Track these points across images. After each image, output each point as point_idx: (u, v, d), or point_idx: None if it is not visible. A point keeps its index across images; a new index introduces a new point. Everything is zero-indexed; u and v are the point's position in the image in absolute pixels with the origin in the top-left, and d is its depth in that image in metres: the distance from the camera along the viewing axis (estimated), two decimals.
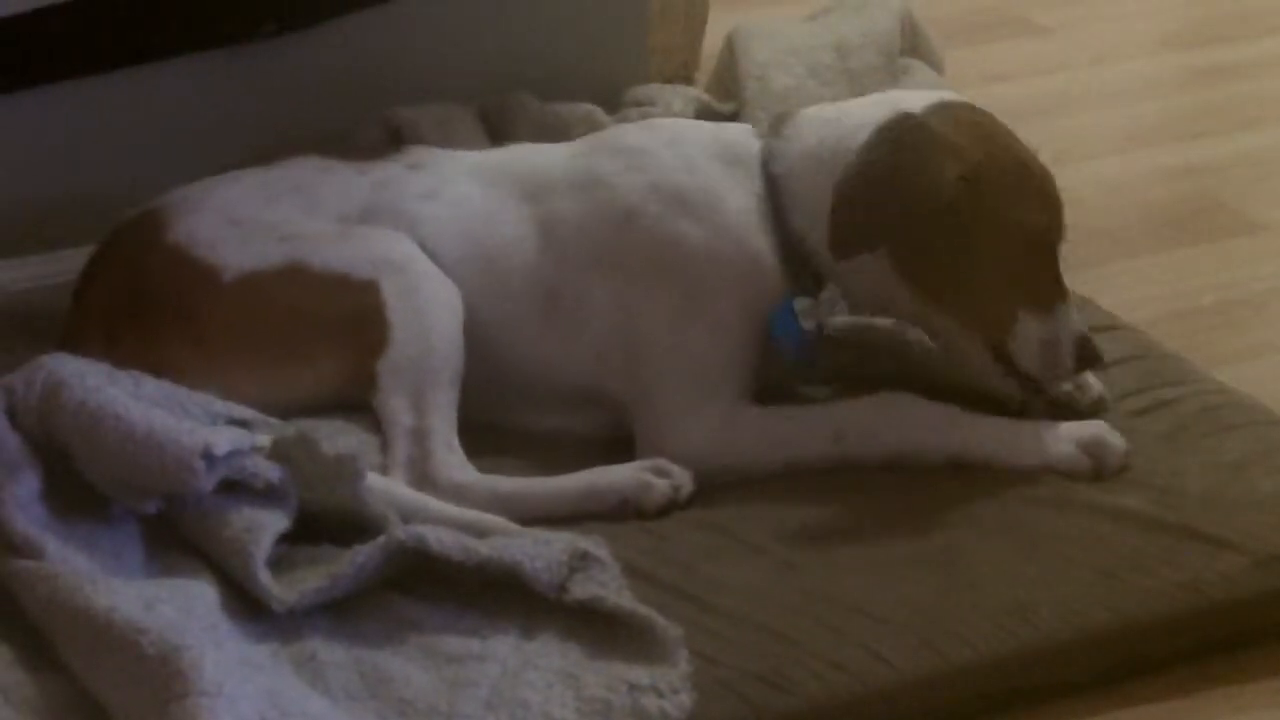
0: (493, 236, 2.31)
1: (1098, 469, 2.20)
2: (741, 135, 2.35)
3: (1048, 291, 2.22)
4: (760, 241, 2.26)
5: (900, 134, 2.19)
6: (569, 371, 2.28)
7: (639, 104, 2.78)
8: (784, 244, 2.26)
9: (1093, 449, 2.21)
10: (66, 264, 2.42)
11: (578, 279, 2.28)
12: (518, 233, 2.31)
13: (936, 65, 2.96)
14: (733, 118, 2.78)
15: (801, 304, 2.26)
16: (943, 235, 2.17)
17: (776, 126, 2.31)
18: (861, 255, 2.19)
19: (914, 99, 2.27)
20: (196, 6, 2.55)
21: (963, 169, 2.17)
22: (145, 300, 2.22)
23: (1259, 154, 3.12)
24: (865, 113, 2.26)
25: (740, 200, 2.27)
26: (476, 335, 2.25)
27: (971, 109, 2.26)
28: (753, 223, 2.26)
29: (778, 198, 2.26)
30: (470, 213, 2.32)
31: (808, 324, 2.26)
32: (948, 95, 2.29)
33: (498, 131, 2.71)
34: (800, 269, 2.26)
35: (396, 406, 2.19)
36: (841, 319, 2.36)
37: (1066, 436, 2.22)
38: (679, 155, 2.30)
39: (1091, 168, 3.04)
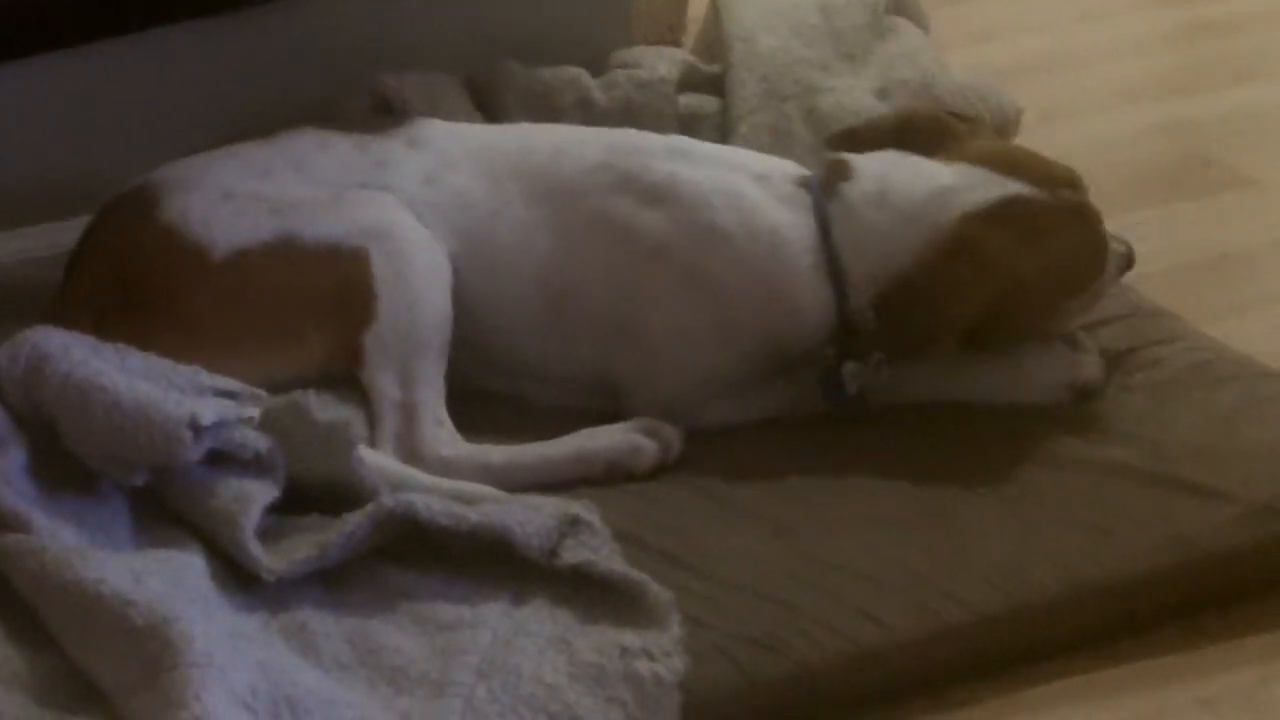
0: (497, 235, 2.27)
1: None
2: (788, 185, 2.26)
3: (1096, 273, 2.26)
4: (808, 294, 2.21)
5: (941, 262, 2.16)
6: (568, 363, 2.27)
7: (625, 66, 2.76)
8: (839, 306, 2.21)
9: (1076, 387, 2.25)
10: (51, 238, 2.42)
11: (591, 292, 2.25)
12: (525, 237, 2.27)
13: (923, 24, 2.95)
14: (718, 80, 2.77)
15: (850, 369, 2.21)
16: (995, 324, 2.18)
17: (833, 180, 2.24)
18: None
19: (974, 193, 2.19)
20: None
21: (996, 288, 2.15)
22: (133, 281, 2.20)
23: (1249, 109, 3.12)
24: (926, 202, 2.19)
25: (792, 249, 2.22)
26: (470, 327, 2.24)
27: (1028, 204, 2.19)
28: (802, 273, 2.21)
29: (836, 264, 2.20)
30: (472, 205, 2.28)
31: (853, 388, 2.21)
32: (1013, 189, 2.20)
33: (484, 98, 2.69)
34: (851, 331, 2.21)
35: (384, 380, 2.18)
36: (910, 391, 2.27)
37: (1050, 378, 2.25)
38: (724, 194, 2.24)
39: (1080, 125, 3.04)
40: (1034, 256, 2.16)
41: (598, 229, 2.26)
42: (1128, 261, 2.31)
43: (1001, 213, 2.17)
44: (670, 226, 2.24)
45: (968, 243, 2.15)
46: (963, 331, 2.17)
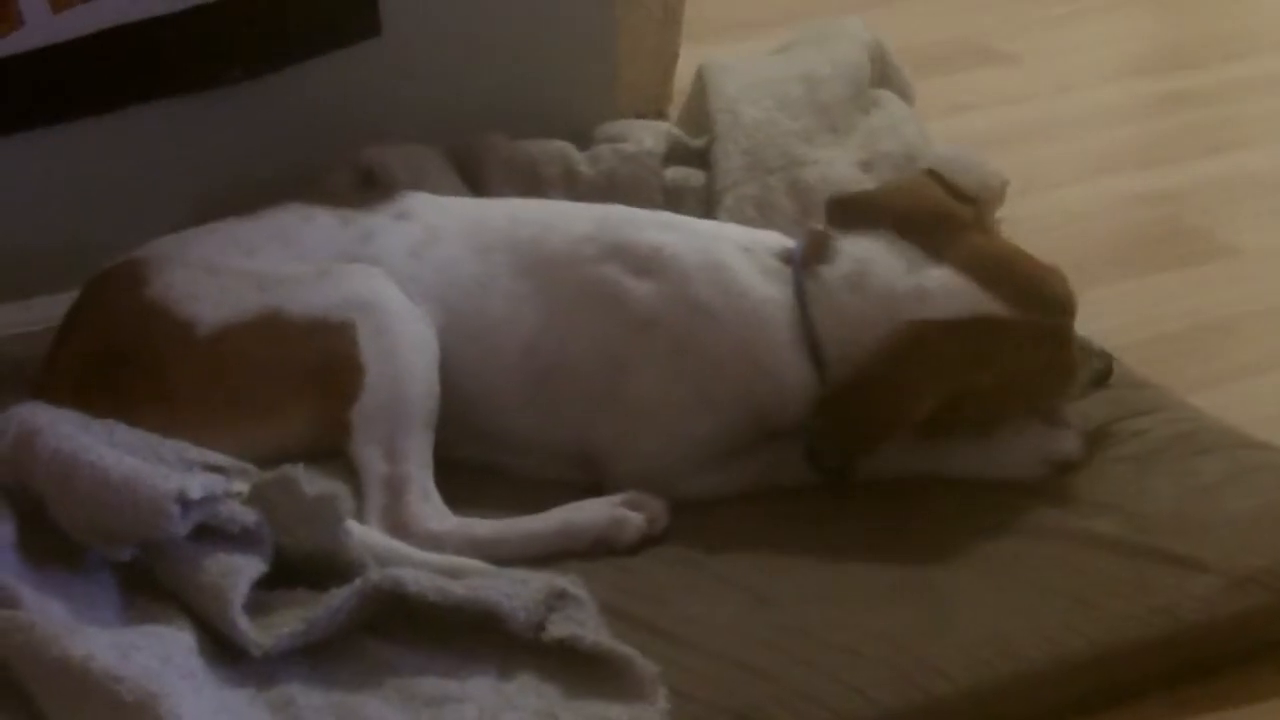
0: (484, 308, 2.27)
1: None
2: (771, 258, 2.26)
3: (1072, 374, 2.26)
4: (789, 369, 2.22)
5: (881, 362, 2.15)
6: (553, 435, 2.27)
7: (610, 139, 2.78)
8: (820, 380, 2.21)
9: (1054, 462, 2.26)
10: (38, 313, 2.42)
11: (578, 363, 2.25)
12: (513, 308, 2.27)
13: (907, 96, 2.97)
14: (704, 152, 2.78)
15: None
16: (945, 425, 2.19)
17: (813, 259, 2.24)
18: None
19: (947, 302, 2.18)
20: (164, 54, 2.55)
21: (941, 397, 2.15)
22: (118, 358, 2.21)
23: (1227, 178, 3.13)
24: (899, 299, 2.18)
25: (773, 325, 2.22)
26: (455, 398, 2.24)
27: (995, 324, 2.17)
28: (784, 347, 2.22)
29: (815, 341, 2.21)
30: (460, 278, 2.28)
31: (833, 461, 2.21)
32: (984, 308, 2.18)
33: (468, 171, 2.70)
34: None
35: (370, 454, 2.18)
36: (883, 467, 2.25)
37: (1028, 455, 2.26)
38: (709, 268, 2.25)
39: (1060, 195, 3.05)
40: (986, 375, 2.16)
41: (587, 300, 2.27)
42: (1103, 376, 2.31)
43: (966, 328, 2.16)
44: (658, 299, 2.25)
45: (920, 348, 2.14)
46: (912, 428, 2.16)
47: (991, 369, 2.17)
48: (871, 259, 2.22)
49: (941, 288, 2.18)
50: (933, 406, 2.14)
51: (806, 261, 2.24)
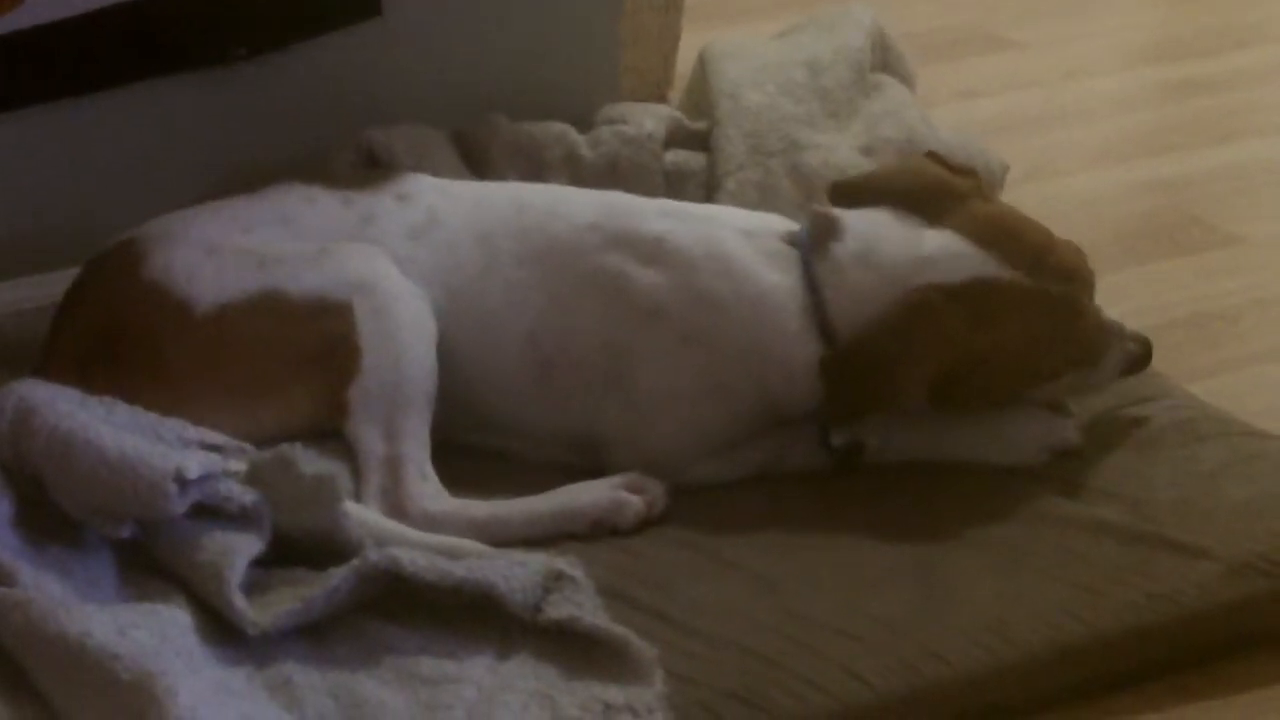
0: (486, 293, 2.27)
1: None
2: (776, 242, 2.26)
3: (1090, 349, 2.24)
4: (800, 356, 2.21)
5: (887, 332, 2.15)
6: (554, 420, 2.27)
7: (612, 122, 2.77)
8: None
9: (1053, 448, 2.25)
10: (36, 290, 2.42)
11: (582, 351, 2.25)
12: (516, 295, 2.27)
13: (908, 81, 2.97)
14: (705, 136, 2.78)
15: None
16: (954, 393, 2.17)
17: (822, 238, 2.23)
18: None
19: (949, 266, 2.18)
20: (167, 32, 2.55)
21: (946, 361, 2.14)
22: (117, 336, 2.20)
23: (1233, 167, 3.13)
24: (904, 267, 2.18)
25: (783, 312, 2.22)
26: (457, 383, 2.24)
27: (998, 286, 2.17)
28: (793, 332, 2.21)
29: (827, 322, 2.20)
30: (461, 263, 2.28)
31: (838, 440, 2.22)
32: (988, 270, 2.18)
33: (470, 153, 2.70)
34: None
35: (368, 434, 2.18)
36: (887, 449, 2.27)
37: (1027, 440, 2.25)
38: (714, 257, 2.24)
39: (1065, 183, 3.05)
40: (989, 338, 2.15)
41: (591, 289, 2.26)
42: (1137, 361, 2.29)
43: (968, 291, 2.16)
44: (664, 289, 2.24)
45: (924, 313, 2.14)
46: (921, 396, 2.16)
47: (994, 332, 2.16)
48: (878, 233, 2.21)
49: (942, 252, 2.18)
50: (938, 371, 2.14)
51: (816, 242, 2.23)
